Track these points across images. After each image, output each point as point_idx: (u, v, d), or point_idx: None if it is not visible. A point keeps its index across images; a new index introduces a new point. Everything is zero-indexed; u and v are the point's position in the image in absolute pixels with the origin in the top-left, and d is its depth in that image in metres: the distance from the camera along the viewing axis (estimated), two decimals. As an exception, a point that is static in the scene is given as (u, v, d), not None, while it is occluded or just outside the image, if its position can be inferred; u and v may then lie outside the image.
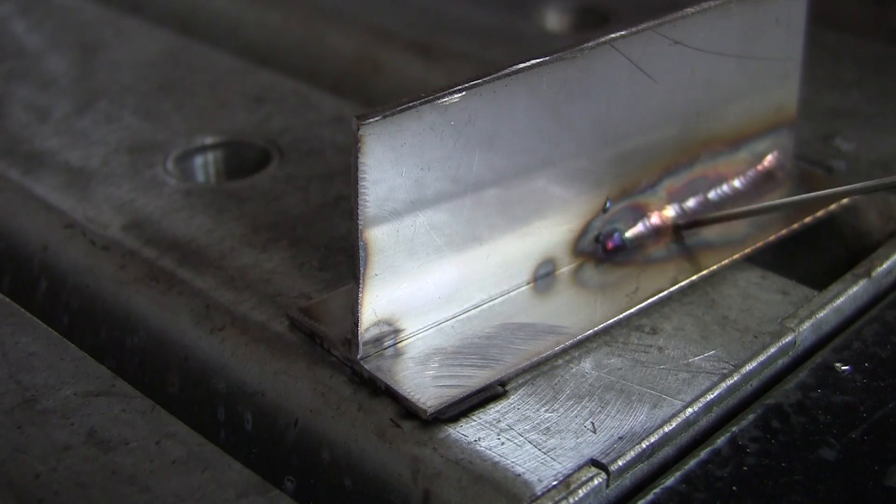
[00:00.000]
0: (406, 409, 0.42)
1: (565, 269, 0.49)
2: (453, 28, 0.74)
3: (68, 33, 0.74)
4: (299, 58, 0.74)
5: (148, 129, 0.62)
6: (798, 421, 0.43)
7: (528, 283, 0.48)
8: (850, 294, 0.49)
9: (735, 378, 0.44)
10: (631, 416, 0.42)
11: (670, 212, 0.51)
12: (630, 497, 0.40)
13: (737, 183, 0.54)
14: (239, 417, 0.46)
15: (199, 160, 0.60)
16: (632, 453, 0.40)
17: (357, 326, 0.43)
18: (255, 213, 0.54)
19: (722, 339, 0.46)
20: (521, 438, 0.41)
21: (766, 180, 0.54)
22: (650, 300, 0.47)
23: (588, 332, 0.45)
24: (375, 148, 0.40)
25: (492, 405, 0.42)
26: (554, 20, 0.78)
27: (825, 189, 0.51)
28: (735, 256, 0.50)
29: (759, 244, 0.50)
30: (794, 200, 0.51)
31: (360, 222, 0.41)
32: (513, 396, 0.43)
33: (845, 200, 0.53)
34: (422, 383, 0.42)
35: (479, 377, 0.43)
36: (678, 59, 0.49)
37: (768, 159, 0.55)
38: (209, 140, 0.61)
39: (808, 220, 0.52)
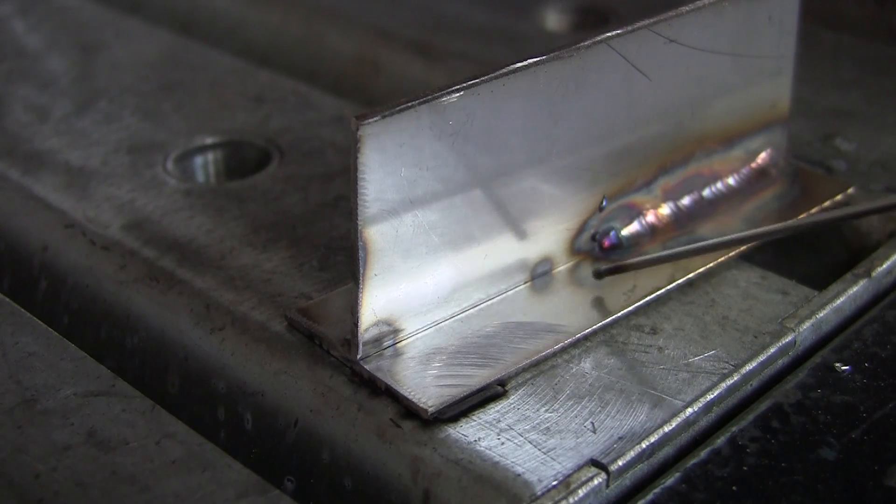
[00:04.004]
0: (406, 409, 0.42)
1: (562, 267, 0.49)
2: (453, 28, 0.74)
3: (68, 33, 0.74)
4: (299, 58, 0.74)
5: (148, 129, 0.62)
6: (798, 421, 0.43)
7: (525, 282, 0.48)
8: (850, 294, 0.49)
9: (735, 378, 0.44)
10: (631, 416, 0.42)
11: (665, 210, 0.51)
12: (630, 497, 0.40)
13: (731, 180, 0.54)
14: (239, 417, 0.46)
15: (199, 160, 0.60)
16: (632, 453, 0.40)
17: (356, 327, 0.43)
18: (255, 213, 0.54)
19: (722, 339, 0.46)
20: (521, 438, 0.41)
21: (760, 177, 0.54)
22: (648, 298, 0.47)
23: (587, 331, 0.45)
24: (375, 148, 0.40)
25: (492, 405, 0.42)
26: (554, 20, 0.78)
27: (822, 189, 0.51)
28: (731, 254, 0.50)
29: (756, 242, 0.50)
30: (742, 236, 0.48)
31: (359, 222, 0.41)
32: (513, 396, 0.43)
33: (839, 197, 0.53)
34: (422, 383, 0.42)
35: (479, 376, 0.43)
36: (673, 58, 0.49)
37: (762, 157, 0.55)
38: (209, 140, 0.61)
39: (802, 216, 0.52)
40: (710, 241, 0.48)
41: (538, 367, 0.44)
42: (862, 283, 0.49)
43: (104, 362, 0.45)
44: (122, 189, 0.56)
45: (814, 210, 0.53)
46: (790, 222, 0.50)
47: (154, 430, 0.41)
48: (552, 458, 0.40)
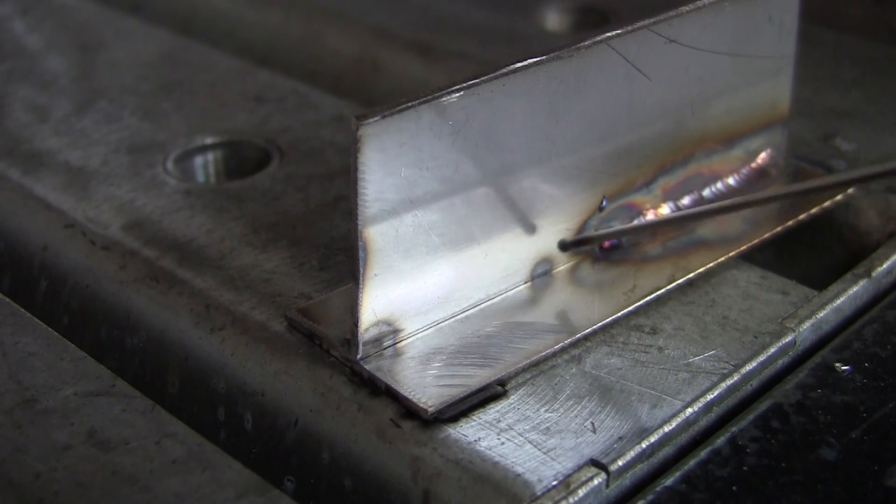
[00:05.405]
0: (406, 409, 0.42)
1: (562, 267, 0.49)
2: (453, 28, 0.74)
3: (68, 33, 0.74)
4: (299, 58, 0.74)
5: (148, 129, 0.62)
6: (798, 421, 0.43)
7: (525, 282, 0.48)
8: (850, 294, 0.49)
9: (735, 378, 0.44)
10: (631, 416, 0.42)
11: (665, 210, 0.51)
12: (630, 497, 0.40)
13: (731, 180, 0.54)
14: (239, 417, 0.46)
15: (199, 160, 0.60)
16: (632, 453, 0.40)
17: (356, 327, 0.43)
18: (255, 213, 0.54)
19: (722, 339, 0.46)
20: (521, 438, 0.41)
21: (760, 177, 0.54)
22: (648, 298, 0.47)
23: (587, 331, 0.45)
24: (375, 148, 0.40)
25: (492, 405, 0.42)
26: (554, 20, 0.78)
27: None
28: (731, 254, 0.50)
29: (755, 241, 0.50)
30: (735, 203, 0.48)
31: (359, 222, 0.41)
32: (513, 396, 0.43)
33: (839, 197, 0.53)
34: (422, 383, 0.42)
35: (479, 376, 0.43)
36: (673, 58, 0.49)
37: (762, 157, 0.55)
38: (209, 140, 0.61)
39: (803, 216, 0.52)
40: (708, 208, 0.48)
41: (538, 367, 0.44)
42: (862, 283, 0.49)
43: (104, 362, 0.45)
44: (122, 189, 0.56)
45: (814, 210, 0.53)
46: (787, 188, 0.50)
47: (154, 430, 0.41)
48: (552, 458, 0.40)
